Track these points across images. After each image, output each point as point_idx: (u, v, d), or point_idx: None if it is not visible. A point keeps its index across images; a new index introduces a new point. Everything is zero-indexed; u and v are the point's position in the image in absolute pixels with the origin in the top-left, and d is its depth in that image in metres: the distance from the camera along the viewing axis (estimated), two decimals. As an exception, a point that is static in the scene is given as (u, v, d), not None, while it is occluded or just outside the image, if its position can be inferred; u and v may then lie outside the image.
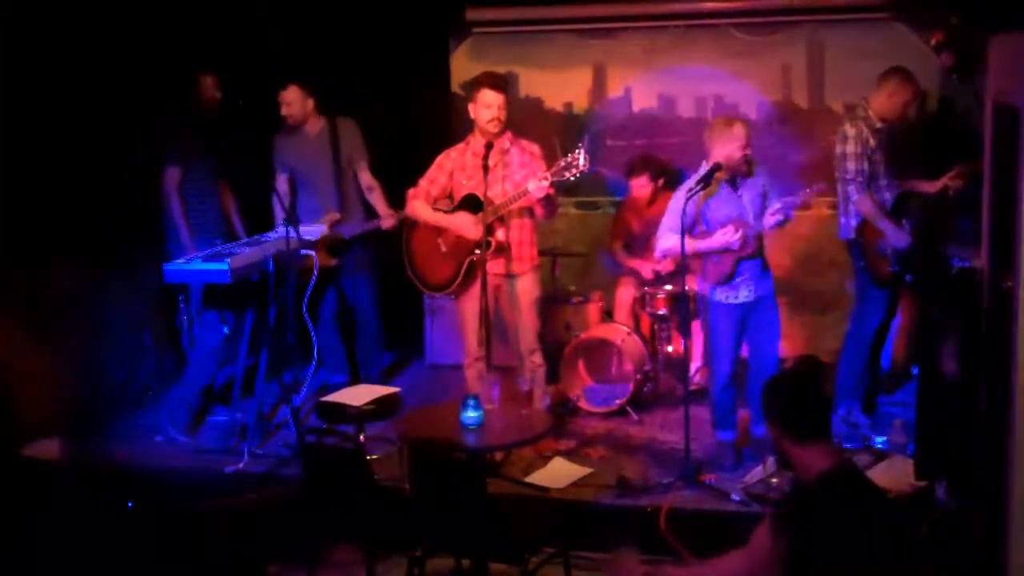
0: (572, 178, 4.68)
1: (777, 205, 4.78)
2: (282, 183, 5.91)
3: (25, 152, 5.26)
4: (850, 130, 5.11)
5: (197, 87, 5.51)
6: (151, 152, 5.51)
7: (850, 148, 5.09)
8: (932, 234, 5.10)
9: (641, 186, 6.06)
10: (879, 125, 5.12)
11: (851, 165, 5.08)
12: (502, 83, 4.93)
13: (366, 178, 5.95)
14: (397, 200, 5.71)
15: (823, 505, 2.93)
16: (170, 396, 5.64)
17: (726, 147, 4.73)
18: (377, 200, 5.96)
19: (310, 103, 5.79)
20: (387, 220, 5.86)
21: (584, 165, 4.63)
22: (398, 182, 5.49)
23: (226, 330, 5.66)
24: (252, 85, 5.94)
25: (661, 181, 6.07)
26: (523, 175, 4.91)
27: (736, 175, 4.81)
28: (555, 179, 4.67)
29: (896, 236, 5.02)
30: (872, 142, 5.10)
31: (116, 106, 5.57)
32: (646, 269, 5.96)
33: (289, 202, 5.84)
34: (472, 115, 4.94)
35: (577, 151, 4.63)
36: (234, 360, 5.61)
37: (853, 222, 5.17)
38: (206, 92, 5.53)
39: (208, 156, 5.58)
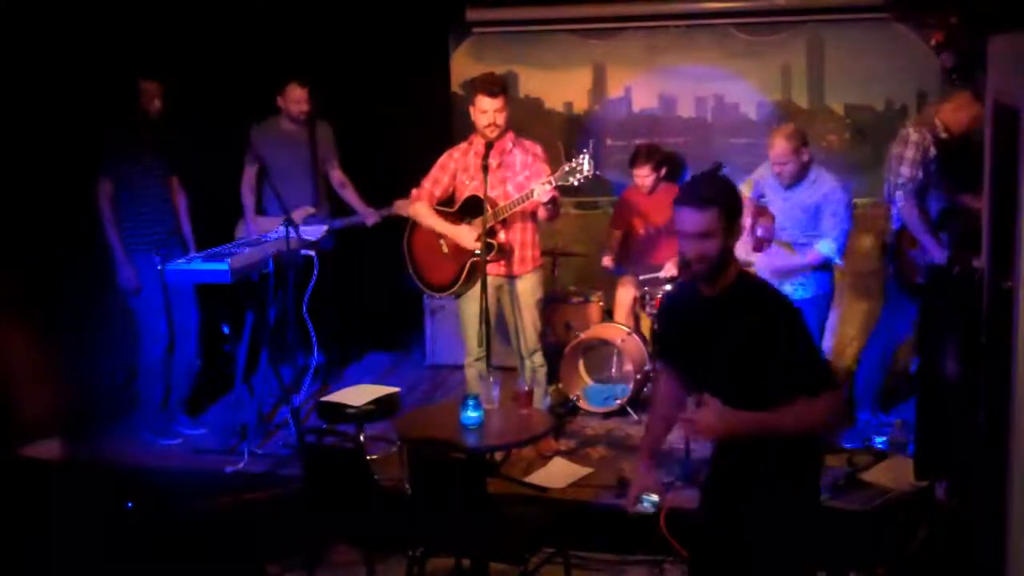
0: (576, 183, 4.67)
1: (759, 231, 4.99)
2: (250, 175, 5.94)
3: (24, 153, 5.24)
4: (913, 135, 4.95)
5: (138, 94, 5.26)
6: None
7: (909, 152, 4.93)
8: (968, 250, 4.77)
9: (644, 175, 6.06)
10: (944, 135, 4.98)
11: (906, 170, 4.93)
12: (498, 88, 4.83)
13: (338, 176, 6.10)
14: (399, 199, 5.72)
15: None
16: (141, 407, 5.59)
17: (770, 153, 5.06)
18: (352, 197, 6.09)
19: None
20: (371, 217, 6.00)
21: (589, 170, 4.61)
22: (398, 182, 5.48)
23: (226, 329, 5.64)
24: (252, 85, 5.94)
25: (663, 171, 6.10)
26: (525, 176, 4.90)
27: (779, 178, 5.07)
28: (559, 183, 4.66)
29: (934, 250, 4.89)
30: (932, 151, 4.95)
31: (112, 107, 5.55)
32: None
33: (256, 195, 5.94)
34: (472, 117, 4.93)
35: (582, 156, 4.61)
36: (233, 360, 5.60)
37: (893, 226, 5.05)
38: (146, 99, 5.26)
39: (148, 161, 5.31)
